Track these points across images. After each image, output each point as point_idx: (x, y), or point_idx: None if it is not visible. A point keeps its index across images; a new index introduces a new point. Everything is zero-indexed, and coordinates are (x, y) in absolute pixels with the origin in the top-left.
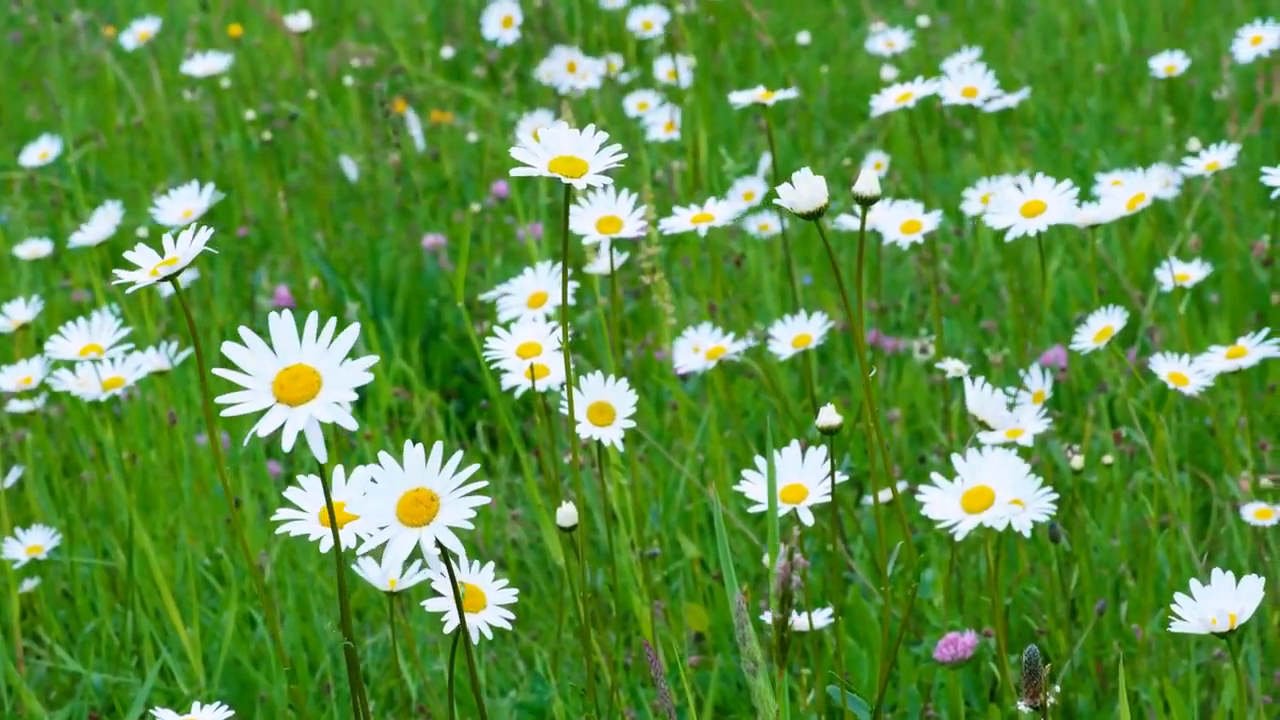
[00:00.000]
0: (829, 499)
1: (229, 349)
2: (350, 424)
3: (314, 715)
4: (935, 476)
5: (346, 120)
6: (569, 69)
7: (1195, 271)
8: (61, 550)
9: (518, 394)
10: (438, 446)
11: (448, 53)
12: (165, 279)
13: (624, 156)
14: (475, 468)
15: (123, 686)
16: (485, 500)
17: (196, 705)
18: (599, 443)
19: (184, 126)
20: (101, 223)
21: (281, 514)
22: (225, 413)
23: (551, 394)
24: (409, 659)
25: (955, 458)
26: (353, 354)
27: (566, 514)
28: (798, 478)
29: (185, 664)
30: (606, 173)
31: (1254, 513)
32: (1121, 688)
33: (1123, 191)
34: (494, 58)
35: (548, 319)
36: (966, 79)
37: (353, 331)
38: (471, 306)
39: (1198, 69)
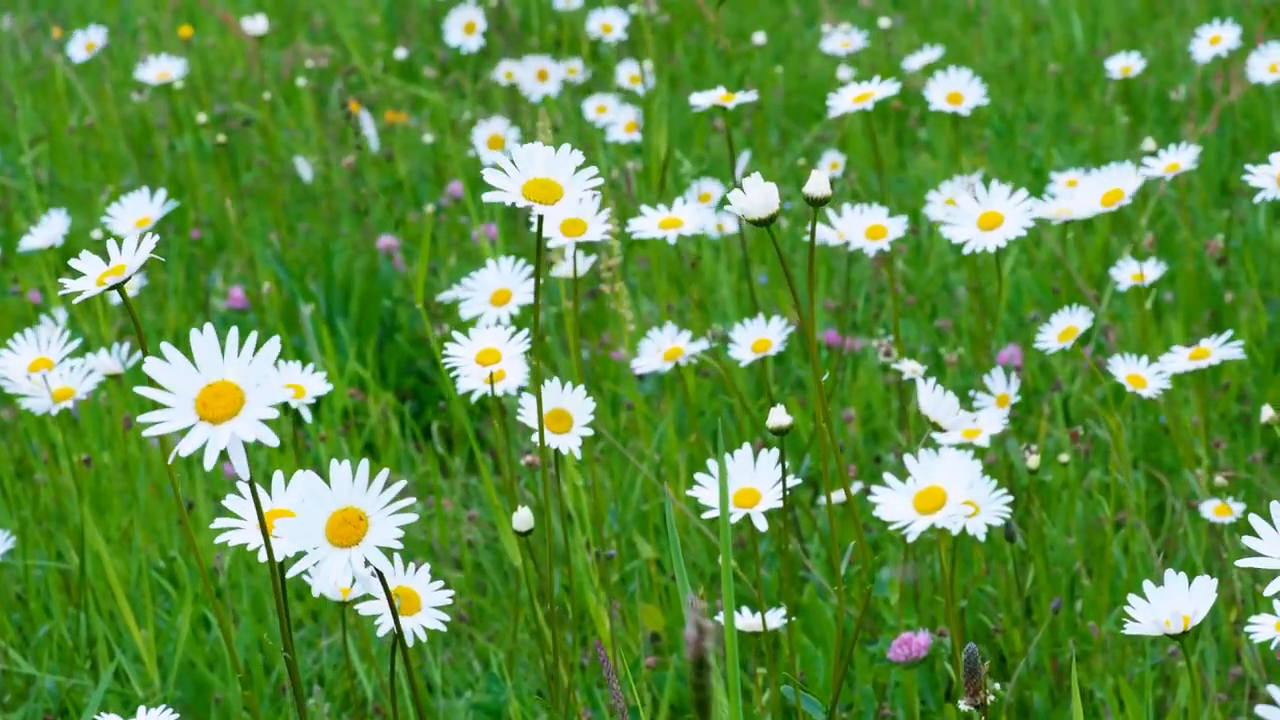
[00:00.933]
0: (781, 504)
1: (151, 366)
2: (272, 440)
3: (269, 718)
4: (888, 477)
5: (300, 121)
6: (539, 77)
7: (1150, 271)
8: (15, 553)
9: (474, 399)
10: (363, 465)
11: (401, 53)
12: (113, 288)
13: (599, 182)
14: (402, 484)
15: (77, 689)
16: (413, 518)
17: (142, 710)
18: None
19: (136, 128)
20: (51, 227)
21: (220, 523)
22: (147, 432)
23: (508, 397)
24: (365, 659)
25: (908, 458)
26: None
27: (522, 518)
28: (750, 481)
29: (140, 666)
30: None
31: (1213, 509)
32: (1074, 686)
33: (1096, 187)
34: (445, 59)
35: (511, 319)
36: (951, 84)
37: (273, 346)
38: (428, 307)
39: (1152, 68)
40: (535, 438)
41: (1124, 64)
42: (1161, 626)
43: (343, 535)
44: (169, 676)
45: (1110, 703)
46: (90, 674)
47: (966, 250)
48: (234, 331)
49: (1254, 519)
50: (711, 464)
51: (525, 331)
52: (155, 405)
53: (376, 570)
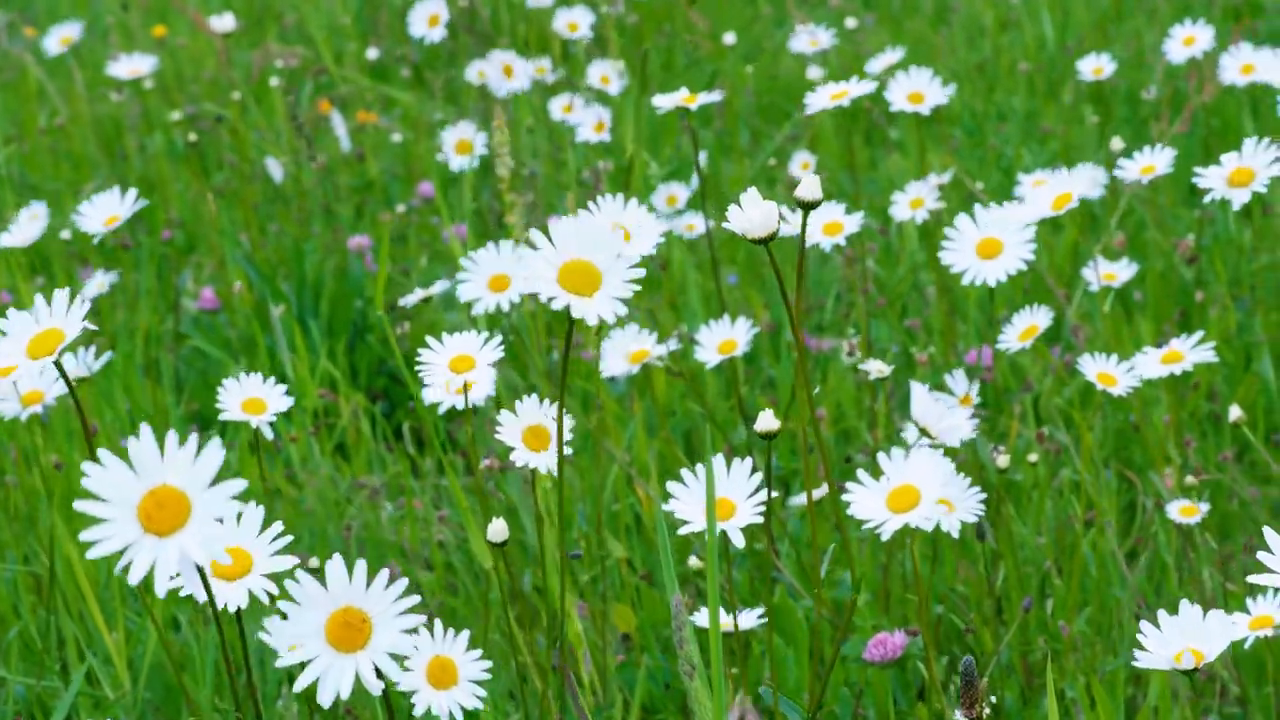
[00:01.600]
0: (760, 518)
1: (88, 477)
2: (224, 559)
3: None
4: (862, 475)
5: (271, 121)
6: (505, 73)
7: (1121, 270)
8: None
9: (442, 410)
10: (360, 565)
11: (373, 54)
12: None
13: (641, 274)
14: (405, 582)
15: (47, 692)
16: (420, 619)
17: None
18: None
19: (107, 128)
20: (29, 226)
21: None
22: (91, 553)
23: (476, 404)
24: None
25: (881, 457)
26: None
27: (497, 530)
28: (724, 491)
29: (110, 668)
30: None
31: (1179, 509)
32: (1049, 685)
33: (1049, 191)
34: (417, 58)
35: (511, 305)
36: (912, 83)
37: (216, 449)
38: (396, 308)
39: (1121, 68)
40: (512, 456)
41: (1095, 65)
42: (1172, 662)
43: (347, 640)
44: (139, 679)
45: (1082, 702)
46: (60, 676)
47: (966, 281)
48: (172, 434)
49: (1267, 532)
50: (685, 474)
51: (500, 338)
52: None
53: (381, 676)
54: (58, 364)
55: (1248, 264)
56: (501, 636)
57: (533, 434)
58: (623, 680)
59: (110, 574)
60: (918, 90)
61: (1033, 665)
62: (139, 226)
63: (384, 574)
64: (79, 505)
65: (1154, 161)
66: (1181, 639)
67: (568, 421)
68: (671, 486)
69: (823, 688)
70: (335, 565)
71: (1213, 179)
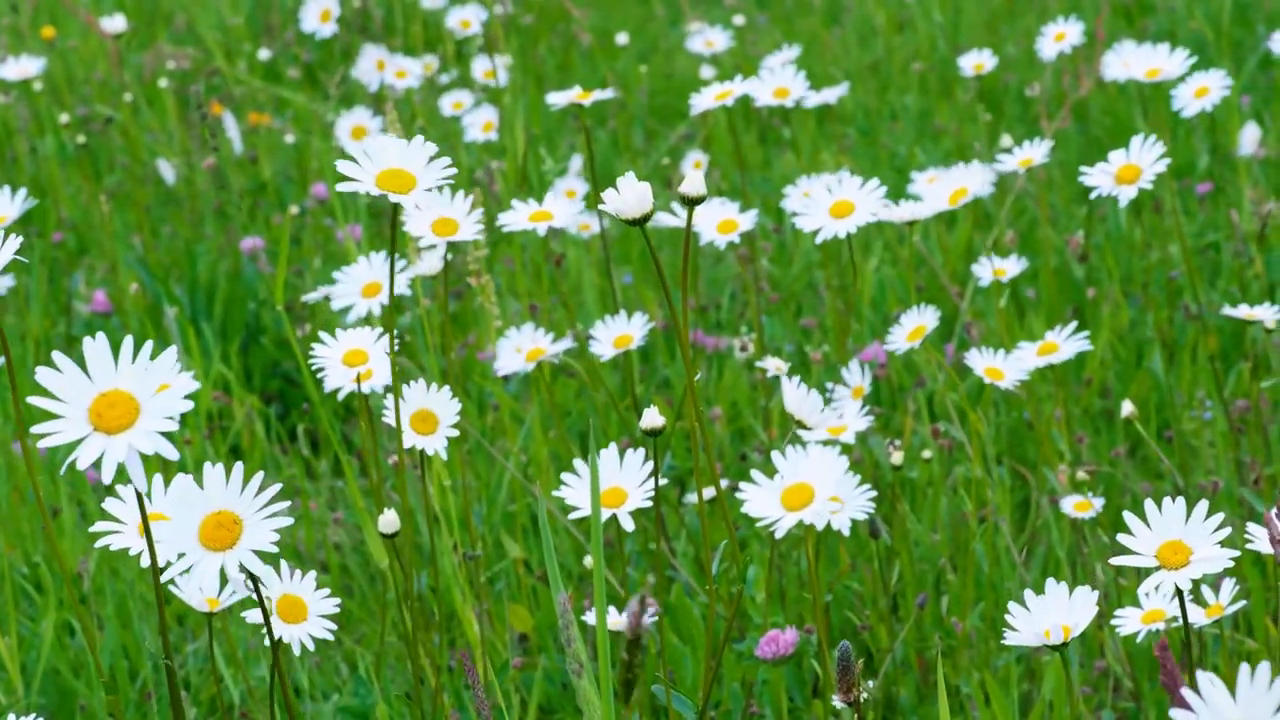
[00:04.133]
0: (649, 503)
1: (42, 375)
2: (172, 454)
3: None
4: (755, 474)
5: (163, 123)
6: (378, 67)
7: (1012, 267)
8: None
9: (341, 395)
10: (238, 467)
11: (264, 54)
12: None
13: (453, 171)
14: (277, 487)
15: None
16: (288, 521)
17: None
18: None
19: None
20: None
21: (100, 526)
22: (43, 443)
23: (374, 396)
24: (231, 665)
25: (775, 455)
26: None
27: (388, 521)
28: (617, 480)
29: (3, 673)
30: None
31: (1073, 505)
32: (940, 681)
33: (943, 186)
34: (310, 59)
35: (380, 312)
36: (779, 79)
37: (171, 354)
38: (292, 309)
39: (1013, 65)
40: (402, 438)
41: (977, 61)
42: (1041, 637)
43: (216, 539)
44: (32, 683)
45: (976, 697)
46: None
47: (819, 239)
48: (128, 340)
49: (1127, 516)
50: (578, 464)
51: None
52: (47, 415)
53: (251, 576)
54: None
55: (1139, 261)
56: (398, 638)
57: (421, 418)
58: (520, 680)
59: (2, 578)
60: (783, 85)
61: (928, 661)
62: (29, 229)
63: (257, 477)
64: (32, 400)
65: (1031, 154)
66: (1050, 618)
67: (462, 418)
68: (565, 476)
69: (709, 684)
70: (213, 470)
71: (1099, 176)
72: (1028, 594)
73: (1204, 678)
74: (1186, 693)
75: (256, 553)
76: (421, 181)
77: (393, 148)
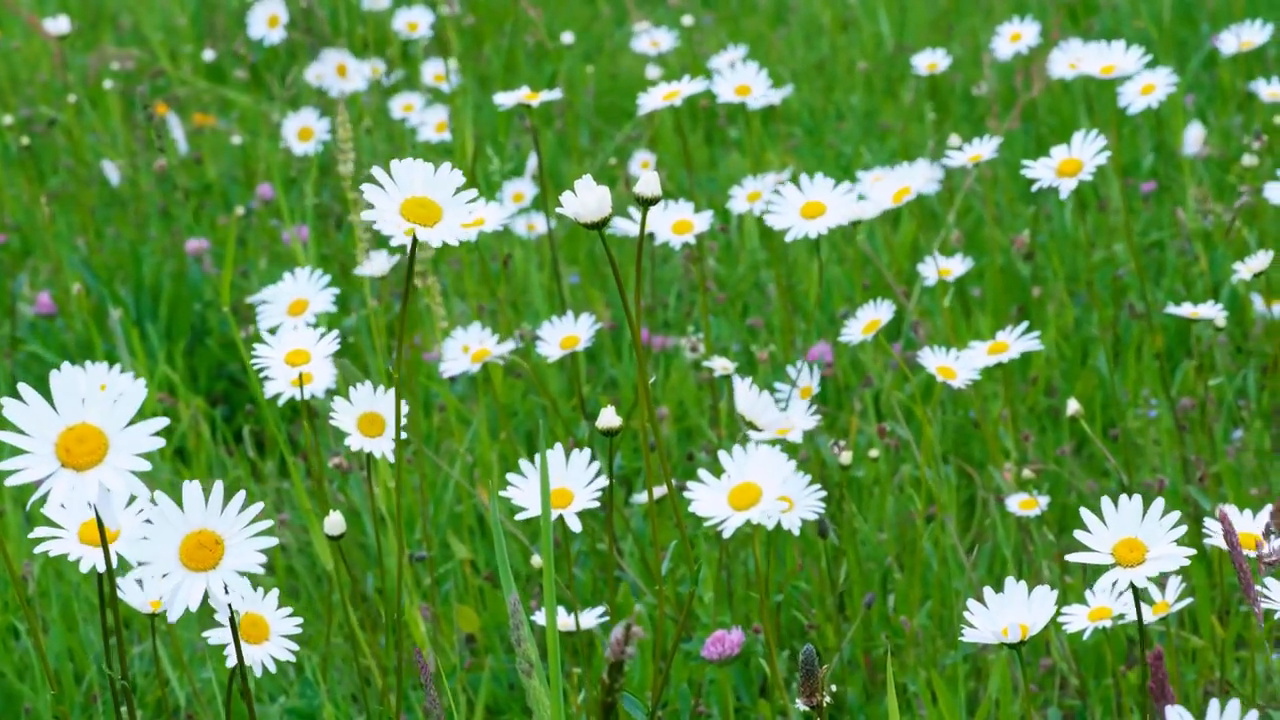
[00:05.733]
0: (597, 503)
1: (9, 408)
2: (142, 491)
3: None
4: (703, 473)
5: (107, 124)
6: (339, 72)
7: (957, 266)
8: None
9: (281, 401)
10: (218, 486)
11: (209, 55)
12: None
13: (481, 204)
14: (259, 507)
15: None
16: (273, 541)
17: None
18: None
19: None
20: None
21: (40, 532)
22: (10, 480)
23: (317, 400)
24: (177, 667)
25: (723, 455)
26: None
27: (333, 523)
28: (563, 481)
29: None
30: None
31: (1019, 503)
32: (889, 680)
33: (887, 185)
34: (255, 60)
35: (312, 327)
36: (739, 77)
37: (139, 388)
38: (238, 311)
39: (958, 65)
40: (348, 441)
41: (930, 60)
42: (999, 635)
43: (198, 559)
44: None
45: (924, 696)
46: None
47: (789, 238)
48: (97, 369)
49: (1084, 512)
50: (525, 464)
51: (335, 332)
52: (16, 451)
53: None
54: None
55: (1084, 260)
56: (344, 639)
57: (368, 420)
58: (467, 681)
59: None
60: (745, 83)
61: (875, 660)
62: None
63: (239, 497)
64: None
65: (980, 151)
66: (1007, 616)
67: (407, 420)
68: (511, 477)
69: (658, 684)
70: (191, 489)
71: (1040, 169)
72: (986, 591)
73: (1173, 712)
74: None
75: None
76: (448, 216)
77: (419, 173)
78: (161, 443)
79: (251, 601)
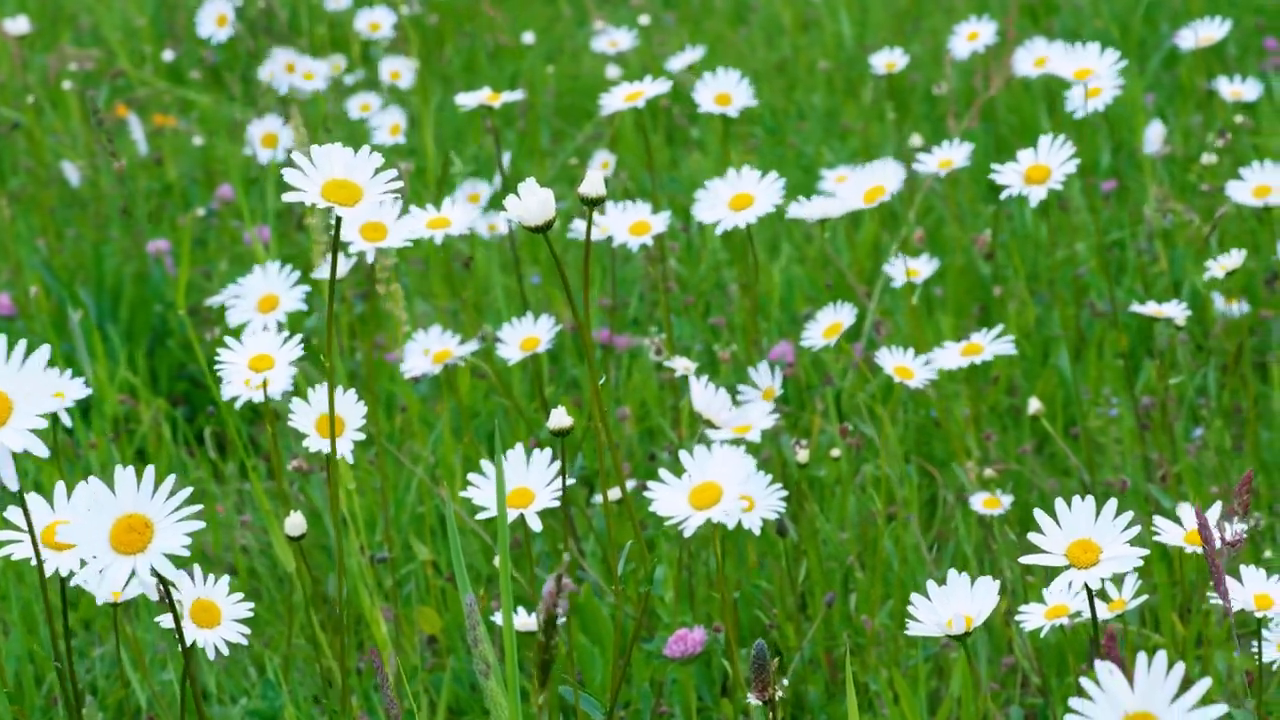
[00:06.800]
0: (556, 502)
1: None
2: (42, 451)
3: None
4: (663, 473)
5: (67, 125)
6: (288, 69)
7: (922, 266)
8: None
9: (239, 404)
10: (149, 471)
11: (169, 56)
12: None
13: (400, 185)
14: (189, 491)
15: None
16: (200, 525)
17: None
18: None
19: None
20: None
21: (1, 535)
22: None
23: (277, 400)
24: (137, 669)
25: (683, 454)
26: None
27: (294, 523)
28: (523, 481)
29: None
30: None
31: (982, 502)
32: (849, 679)
33: (858, 184)
34: (214, 60)
35: (280, 327)
36: (721, 84)
37: (42, 353)
38: (198, 312)
39: (919, 65)
40: (306, 442)
41: (888, 60)
42: (943, 627)
43: (127, 543)
44: None
45: (885, 695)
46: None
47: (719, 230)
48: (1, 339)
49: (1037, 514)
50: (485, 465)
51: (299, 336)
52: None
53: (163, 580)
54: None
55: (1045, 259)
56: (306, 640)
57: (327, 421)
58: (429, 682)
59: None
60: (725, 91)
61: (836, 659)
62: None
63: (169, 481)
64: None
65: (951, 155)
66: (951, 607)
67: (369, 421)
68: (472, 477)
69: (617, 684)
70: (124, 473)
71: (1010, 176)
72: (930, 584)
73: (1103, 668)
74: (1085, 682)
75: (169, 556)
76: (368, 193)
77: (339, 157)
78: (60, 403)
79: (203, 587)
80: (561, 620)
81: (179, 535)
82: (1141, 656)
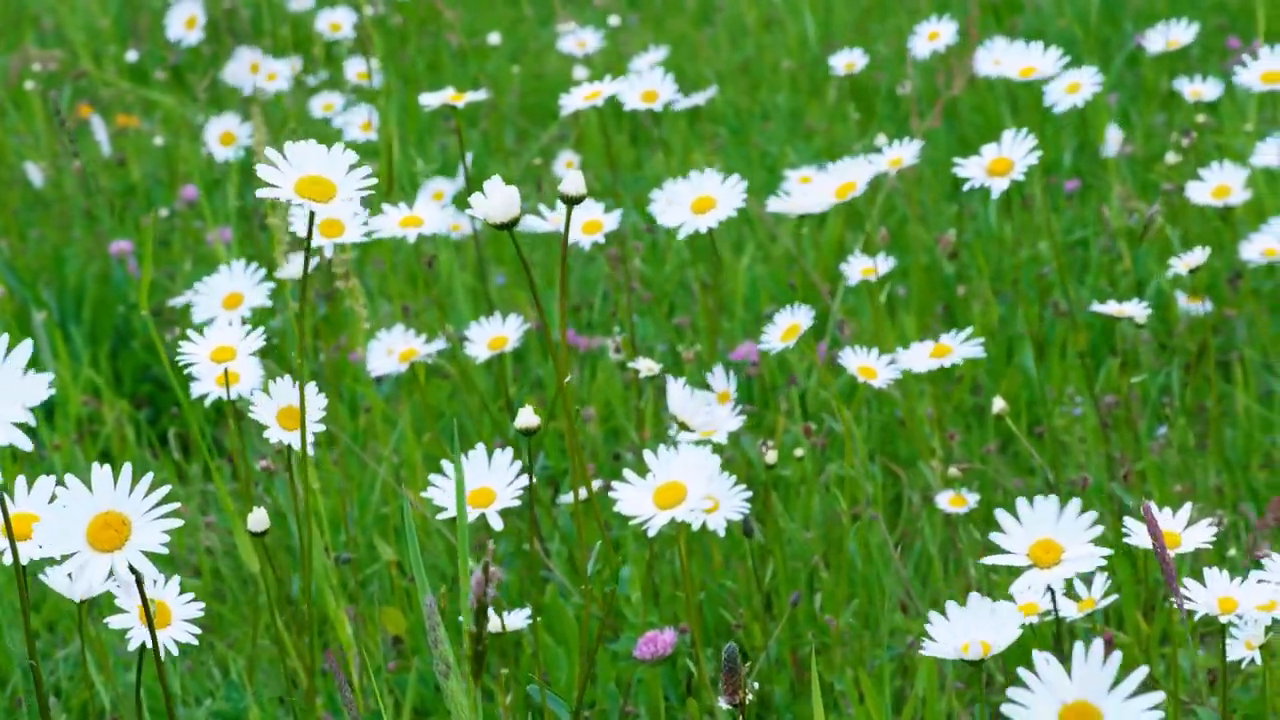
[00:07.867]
0: (518, 502)
1: None
2: (26, 445)
3: None
4: (628, 473)
5: (30, 125)
6: (252, 69)
7: (881, 265)
8: None
9: (208, 402)
10: (126, 468)
11: (132, 56)
12: None
13: (374, 181)
14: (167, 488)
15: None
16: (178, 523)
17: None
18: (291, 447)
19: None
20: None
21: None
22: None
23: (243, 400)
24: (102, 671)
25: (648, 454)
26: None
27: (257, 519)
28: (486, 481)
29: None
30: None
31: (948, 500)
32: (814, 679)
33: (829, 181)
34: (177, 60)
35: (244, 322)
36: (647, 82)
37: (27, 347)
38: (162, 313)
39: (883, 65)
40: (267, 433)
41: (848, 60)
42: (959, 651)
43: (105, 540)
44: None
45: (850, 694)
46: None
47: (681, 235)
48: None
49: (999, 513)
50: (446, 465)
51: (260, 329)
52: None
53: (137, 577)
54: None
55: (1009, 258)
56: (271, 642)
57: (287, 414)
58: (394, 683)
59: None
60: (651, 89)
61: (802, 659)
62: None
63: (146, 479)
64: None
65: (901, 154)
66: (968, 631)
67: (334, 421)
68: (433, 477)
69: (583, 684)
70: (101, 471)
71: (972, 168)
72: (949, 605)
73: (1040, 658)
74: (1023, 672)
75: (146, 554)
76: (342, 190)
77: (314, 154)
78: (51, 393)
79: (154, 588)
80: (527, 620)
81: (157, 532)
82: (1079, 645)
